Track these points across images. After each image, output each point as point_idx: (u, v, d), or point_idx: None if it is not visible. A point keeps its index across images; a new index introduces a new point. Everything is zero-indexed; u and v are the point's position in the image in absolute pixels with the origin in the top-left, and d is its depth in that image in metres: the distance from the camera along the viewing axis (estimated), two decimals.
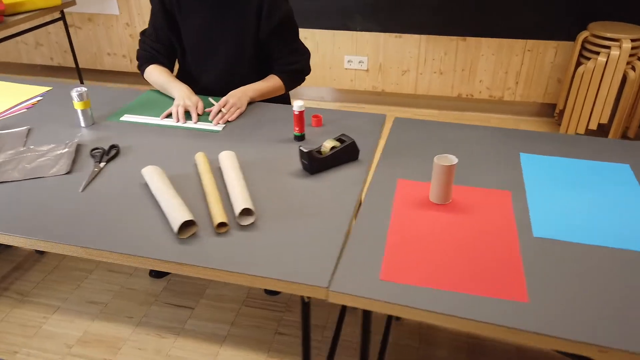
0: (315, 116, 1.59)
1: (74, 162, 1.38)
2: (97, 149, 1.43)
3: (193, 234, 1.11)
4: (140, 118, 1.62)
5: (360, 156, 1.41)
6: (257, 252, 1.06)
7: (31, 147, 1.45)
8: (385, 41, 3.37)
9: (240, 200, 1.15)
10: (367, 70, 3.49)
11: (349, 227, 1.14)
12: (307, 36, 3.46)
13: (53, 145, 1.45)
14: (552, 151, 1.44)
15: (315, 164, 1.32)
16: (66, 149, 1.42)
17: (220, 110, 1.61)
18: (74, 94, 1.53)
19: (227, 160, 1.31)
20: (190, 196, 1.24)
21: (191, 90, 1.70)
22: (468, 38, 3.26)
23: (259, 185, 1.28)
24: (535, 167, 1.36)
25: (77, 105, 1.54)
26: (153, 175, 1.25)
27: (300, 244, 1.08)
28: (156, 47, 1.77)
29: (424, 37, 3.31)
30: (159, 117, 1.62)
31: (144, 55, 1.78)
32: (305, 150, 1.30)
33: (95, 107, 1.70)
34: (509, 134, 1.53)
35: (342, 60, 3.50)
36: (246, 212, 1.16)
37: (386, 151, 1.44)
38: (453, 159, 1.19)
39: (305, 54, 1.78)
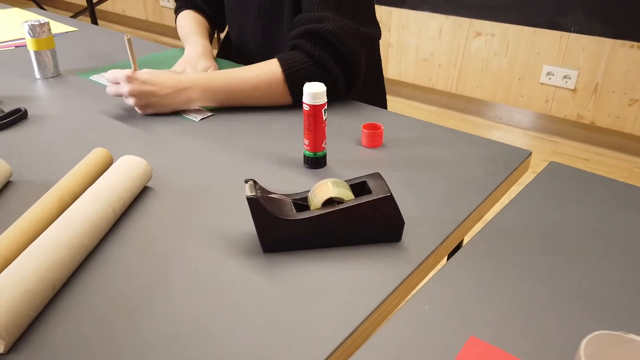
0: (368, 127, 0.79)
1: None
2: None
3: None
4: None
5: (409, 236, 0.58)
6: None
7: None
8: (613, 51, 2.25)
9: None
10: (573, 90, 2.41)
11: None
12: (496, 32, 2.53)
13: None
14: None
15: (271, 233, 0.54)
16: None
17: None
18: (26, 25, 1.00)
19: (109, 178, 0.62)
20: None
21: (206, 51, 1.04)
22: None
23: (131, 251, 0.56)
24: None
25: (31, 44, 1.01)
26: None
27: None
28: None
29: None
30: None
31: None
32: (251, 194, 0.53)
33: (93, 57, 1.16)
34: None
35: (539, 71, 2.48)
36: None
37: (486, 238, 0.58)
38: None
39: (350, 20, 0.87)
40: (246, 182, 0.55)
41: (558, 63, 2.42)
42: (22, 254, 0.49)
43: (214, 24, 1.19)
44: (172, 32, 4.02)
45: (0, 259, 0.50)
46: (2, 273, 0.46)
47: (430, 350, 0.44)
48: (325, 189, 0.55)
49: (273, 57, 0.90)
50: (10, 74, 1.07)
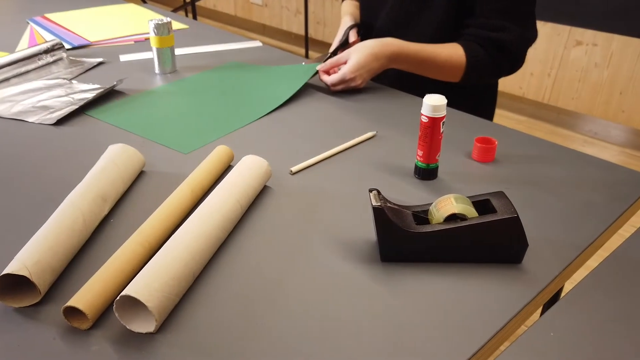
0: (481, 141, 0.78)
1: (77, 112, 0.93)
2: None
3: (30, 305, 0.51)
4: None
5: (530, 258, 0.57)
6: None
7: (74, 82, 1.05)
8: None
9: (146, 275, 0.49)
10: None
11: None
12: (599, 42, 2.40)
13: (92, 87, 1.02)
14: None
15: (393, 243, 0.55)
16: (88, 95, 0.98)
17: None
18: (152, 23, 1.07)
19: (237, 175, 0.65)
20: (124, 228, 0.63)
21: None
22: None
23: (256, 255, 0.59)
24: None
25: (154, 41, 1.09)
26: (101, 162, 0.68)
27: None
28: None
29: None
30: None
31: None
32: (377, 204, 0.55)
33: (206, 56, 1.23)
34: None
35: None
36: (139, 305, 0.49)
37: (610, 267, 0.56)
38: None
39: (522, 27, 0.95)
40: (370, 191, 0.57)
41: None
42: (167, 242, 0.53)
43: None
44: (259, 29, 4.13)
45: (146, 244, 0.55)
46: (152, 260, 0.51)
47: None
48: (448, 204, 0.56)
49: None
50: (133, 68, 1.15)
